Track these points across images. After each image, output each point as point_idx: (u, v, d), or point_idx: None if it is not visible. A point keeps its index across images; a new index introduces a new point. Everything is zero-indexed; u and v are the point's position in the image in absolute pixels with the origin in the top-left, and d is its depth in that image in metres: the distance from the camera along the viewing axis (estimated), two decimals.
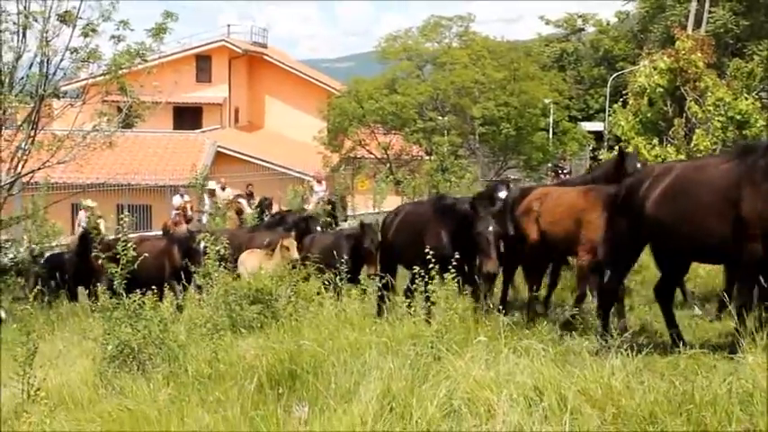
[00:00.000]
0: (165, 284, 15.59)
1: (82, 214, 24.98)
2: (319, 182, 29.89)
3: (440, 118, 43.75)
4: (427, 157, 41.20)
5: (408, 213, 13.27)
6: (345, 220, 27.24)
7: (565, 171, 31.49)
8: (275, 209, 26.72)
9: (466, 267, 11.15)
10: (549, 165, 39.40)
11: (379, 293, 12.40)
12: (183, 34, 62.42)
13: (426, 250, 10.01)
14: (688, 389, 6.59)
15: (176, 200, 29.78)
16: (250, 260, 15.28)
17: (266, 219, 23.80)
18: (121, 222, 11.37)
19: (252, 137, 50.89)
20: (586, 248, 11.10)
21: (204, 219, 27.48)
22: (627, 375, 6.96)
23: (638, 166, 12.76)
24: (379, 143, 43.61)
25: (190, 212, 27.83)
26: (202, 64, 51.55)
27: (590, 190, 11.78)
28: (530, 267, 12.56)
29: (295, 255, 14.29)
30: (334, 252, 13.86)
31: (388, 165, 41.71)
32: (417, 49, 46.82)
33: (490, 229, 11.14)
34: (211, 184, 29.71)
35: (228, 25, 57.92)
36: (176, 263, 15.92)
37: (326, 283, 12.51)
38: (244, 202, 28.28)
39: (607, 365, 7.12)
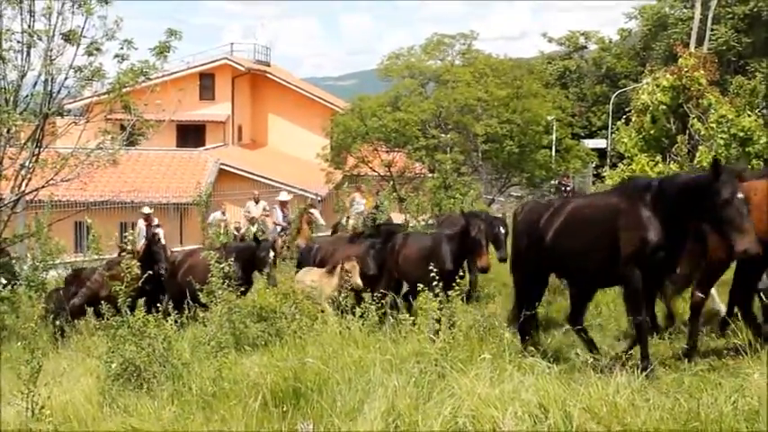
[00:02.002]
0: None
1: (141, 224, 24.79)
2: (361, 194, 29.72)
3: (443, 135, 43.73)
4: (430, 175, 41.17)
5: (580, 206, 10.43)
6: None
7: (568, 188, 31.32)
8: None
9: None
10: (553, 182, 39.35)
11: (518, 306, 11.02)
12: (187, 52, 62.62)
13: (637, 247, 9.07)
14: (693, 406, 6.58)
15: (216, 216, 29.82)
16: (308, 279, 14.67)
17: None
18: (126, 239, 11.38)
19: (255, 154, 50.93)
20: None
21: (278, 230, 27.24)
22: (632, 393, 6.95)
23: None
24: (381, 160, 43.60)
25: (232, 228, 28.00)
26: (206, 82, 51.62)
27: None
28: None
29: (357, 280, 13.56)
30: (435, 253, 12.89)
31: (391, 182, 41.69)
32: (420, 67, 46.85)
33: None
34: (283, 195, 29.21)
35: (232, 43, 58.02)
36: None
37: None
38: (316, 212, 28.09)
39: (612, 383, 7.10)
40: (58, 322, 16.52)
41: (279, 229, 27.37)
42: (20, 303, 18.95)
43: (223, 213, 29.96)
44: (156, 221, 24.74)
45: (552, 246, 10.17)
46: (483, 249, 12.52)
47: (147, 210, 25.31)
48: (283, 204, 28.31)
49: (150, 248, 18.45)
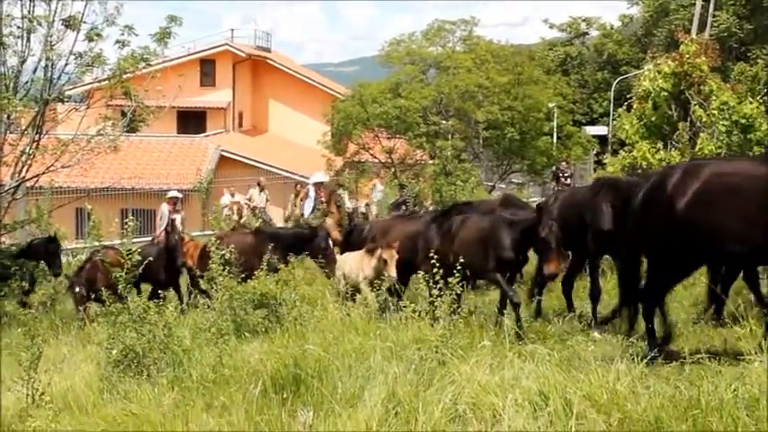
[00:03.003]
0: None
1: (164, 208, 24.66)
2: (381, 181, 29.11)
3: (443, 122, 43.69)
4: (431, 161, 41.16)
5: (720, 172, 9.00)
6: None
7: (566, 175, 31.24)
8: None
9: None
10: (552, 169, 39.35)
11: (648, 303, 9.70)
12: (187, 38, 62.55)
13: None
14: (694, 394, 6.57)
15: (226, 199, 29.45)
16: (349, 263, 14.07)
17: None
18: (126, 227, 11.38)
19: (256, 141, 50.90)
20: None
21: (307, 212, 25.66)
22: (632, 380, 6.95)
23: None
24: (382, 147, 43.58)
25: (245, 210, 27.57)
26: (206, 68, 51.55)
27: None
28: None
29: (392, 272, 12.62)
30: (491, 237, 11.48)
31: (392, 169, 41.66)
32: (421, 54, 46.73)
33: None
34: (318, 176, 27.42)
35: (232, 29, 57.95)
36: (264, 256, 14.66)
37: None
38: (344, 194, 27.53)
39: (612, 370, 7.10)
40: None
41: (309, 210, 25.77)
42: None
43: (232, 195, 29.44)
44: (179, 207, 24.56)
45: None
46: (553, 253, 10.95)
47: (174, 194, 24.98)
48: (318, 186, 26.44)
49: (168, 240, 18.19)
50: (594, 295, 12.30)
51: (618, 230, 11.15)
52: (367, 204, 27.34)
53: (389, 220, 17.99)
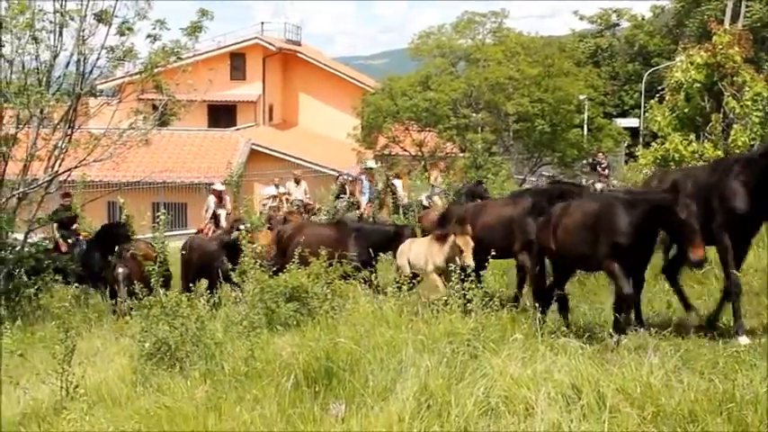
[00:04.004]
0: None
1: (211, 201, 24.61)
2: (441, 173, 28.20)
3: (473, 115, 43.57)
4: (461, 154, 41.08)
5: None
6: None
7: (603, 165, 30.96)
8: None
9: None
10: (587, 161, 39.02)
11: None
12: (218, 32, 62.55)
13: None
14: (729, 387, 6.53)
15: (270, 190, 29.09)
16: (414, 250, 13.22)
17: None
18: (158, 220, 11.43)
19: (286, 134, 51.00)
20: None
21: (364, 201, 25.05)
22: (666, 374, 6.91)
23: None
24: (413, 140, 43.55)
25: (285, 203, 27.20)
26: (236, 62, 51.68)
27: None
28: None
29: (469, 261, 11.58)
30: (605, 221, 9.99)
31: (422, 162, 41.60)
32: (451, 46, 46.62)
33: None
34: (370, 163, 27.14)
35: (262, 23, 58.04)
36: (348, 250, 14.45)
37: None
38: (398, 184, 27.04)
39: (645, 363, 7.06)
40: None
41: (366, 199, 25.11)
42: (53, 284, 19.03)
43: (277, 187, 28.71)
44: (226, 199, 24.62)
45: None
46: (698, 236, 9.28)
47: (219, 186, 25.01)
48: (370, 173, 25.92)
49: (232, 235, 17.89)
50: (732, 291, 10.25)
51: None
52: (429, 196, 26.95)
53: (485, 204, 15.91)
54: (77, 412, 8.32)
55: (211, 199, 24.20)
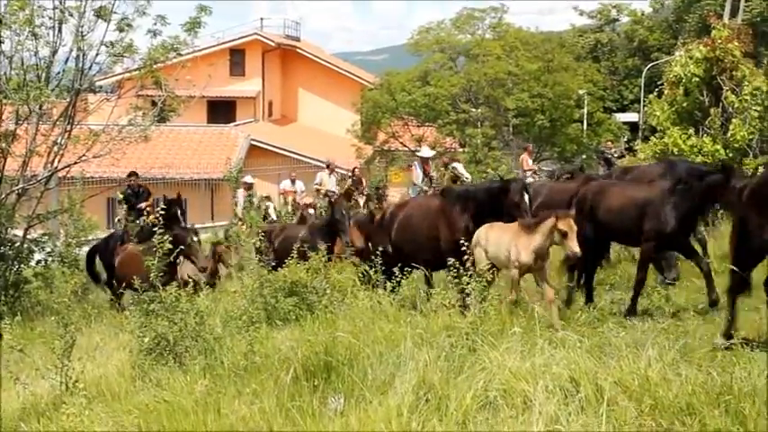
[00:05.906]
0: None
1: (240, 194, 24.31)
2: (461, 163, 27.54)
3: (473, 110, 43.65)
4: (461, 149, 41.11)
5: None
6: None
7: (616, 156, 30.74)
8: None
9: None
10: (598, 152, 38.86)
11: None
12: (217, 28, 62.68)
13: None
14: (726, 380, 6.54)
15: (286, 184, 28.33)
16: (493, 240, 11.13)
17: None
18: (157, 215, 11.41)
19: (285, 130, 51.01)
20: None
21: (413, 192, 23.76)
22: (664, 366, 6.92)
23: None
24: (412, 135, 43.58)
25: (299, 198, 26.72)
26: (236, 58, 51.70)
27: None
28: None
29: (575, 246, 9.97)
30: (649, 207, 9.95)
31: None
32: (450, 41, 46.68)
33: None
34: (425, 152, 25.62)
35: (262, 19, 58.01)
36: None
37: None
38: (459, 167, 25.98)
39: (643, 356, 7.07)
40: None
41: (418, 189, 23.62)
42: (53, 279, 19.04)
43: (293, 182, 27.96)
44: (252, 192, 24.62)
45: None
46: None
47: (249, 179, 24.88)
48: (425, 161, 24.50)
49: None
50: None
51: None
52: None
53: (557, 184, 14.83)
54: (77, 407, 8.31)
55: (241, 192, 24.18)
